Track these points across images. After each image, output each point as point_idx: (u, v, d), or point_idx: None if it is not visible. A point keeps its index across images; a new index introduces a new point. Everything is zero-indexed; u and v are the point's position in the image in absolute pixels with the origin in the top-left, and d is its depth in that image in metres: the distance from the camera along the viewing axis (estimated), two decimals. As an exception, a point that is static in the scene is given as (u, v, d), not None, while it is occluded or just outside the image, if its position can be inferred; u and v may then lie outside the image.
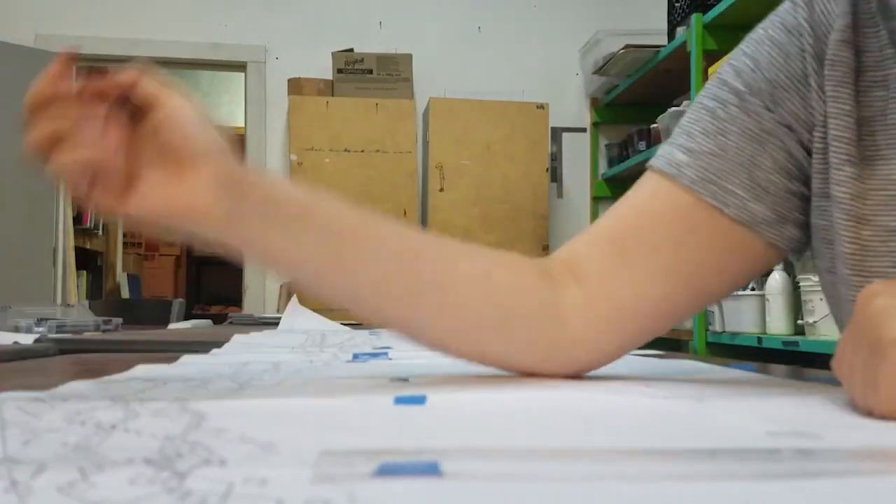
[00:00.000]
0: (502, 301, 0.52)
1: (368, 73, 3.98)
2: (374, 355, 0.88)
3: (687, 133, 0.58)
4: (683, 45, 3.09)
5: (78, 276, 4.99)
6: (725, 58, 0.60)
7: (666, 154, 0.58)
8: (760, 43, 0.57)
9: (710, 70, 2.89)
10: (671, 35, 3.34)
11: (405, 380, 0.58)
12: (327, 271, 0.51)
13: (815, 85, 0.54)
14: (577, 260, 0.58)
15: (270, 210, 0.48)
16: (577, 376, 0.54)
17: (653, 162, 0.59)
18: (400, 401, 0.43)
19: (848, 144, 0.52)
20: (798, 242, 0.57)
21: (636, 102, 3.96)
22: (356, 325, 1.53)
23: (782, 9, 0.58)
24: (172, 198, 0.45)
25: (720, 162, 0.55)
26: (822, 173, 0.54)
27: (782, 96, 0.55)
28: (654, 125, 3.47)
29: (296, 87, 3.98)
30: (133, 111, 0.45)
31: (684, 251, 0.55)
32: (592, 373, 0.57)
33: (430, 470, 0.26)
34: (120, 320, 1.72)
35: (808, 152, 0.55)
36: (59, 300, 4.16)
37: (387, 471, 0.26)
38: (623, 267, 0.55)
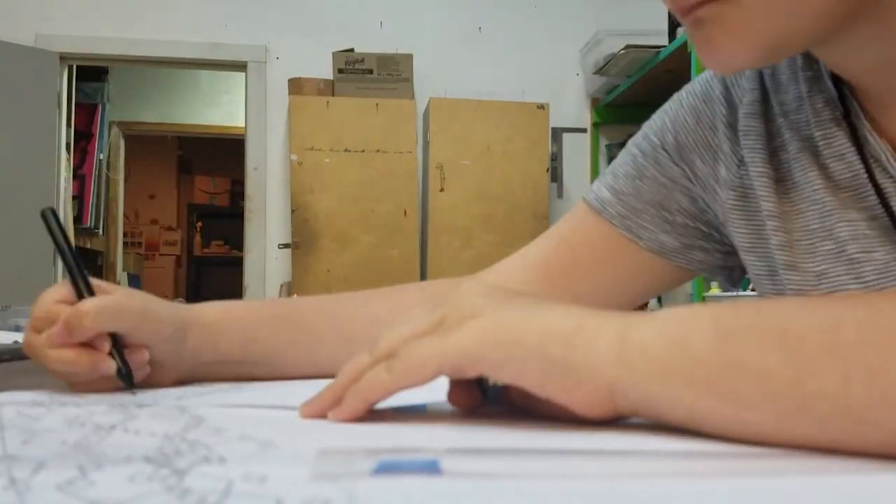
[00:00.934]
0: None
1: (369, 73, 3.98)
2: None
3: (613, 174, 0.68)
4: (684, 45, 3.09)
5: (78, 276, 4.98)
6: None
7: (596, 190, 0.69)
8: (679, 106, 0.66)
9: (711, 70, 2.89)
10: (672, 35, 3.34)
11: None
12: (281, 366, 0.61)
13: (729, 150, 0.61)
14: (520, 280, 0.68)
15: (207, 361, 0.58)
16: None
17: (586, 195, 0.69)
18: (400, 409, 0.43)
19: (768, 202, 0.58)
20: (703, 265, 0.67)
21: (637, 103, 3.96)
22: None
23: (702, 77, 0.65)
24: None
25: (635, 202, 0.66)
26: (744, 228, 0.61)
27: (687, 156, 0.64)
28: (655, 125, 3.47)
29: (296, 86, 3.97)
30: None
31: (605, 275, 0.67)
32: None
33: (430, 468, 0.26)
34: (120, 320, 1.72)
35: (707, 203, 0.64)
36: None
37: (386, 469, 0.26)
38: (551, 293, 0.66)
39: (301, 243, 3.80)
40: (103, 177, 5.88)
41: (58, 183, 4.22)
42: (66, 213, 4.45)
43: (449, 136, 3.87)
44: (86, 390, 0.49)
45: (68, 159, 4.66)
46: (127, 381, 0.49)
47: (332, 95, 3.95)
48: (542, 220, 3.91)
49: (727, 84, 0.63)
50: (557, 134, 4.13)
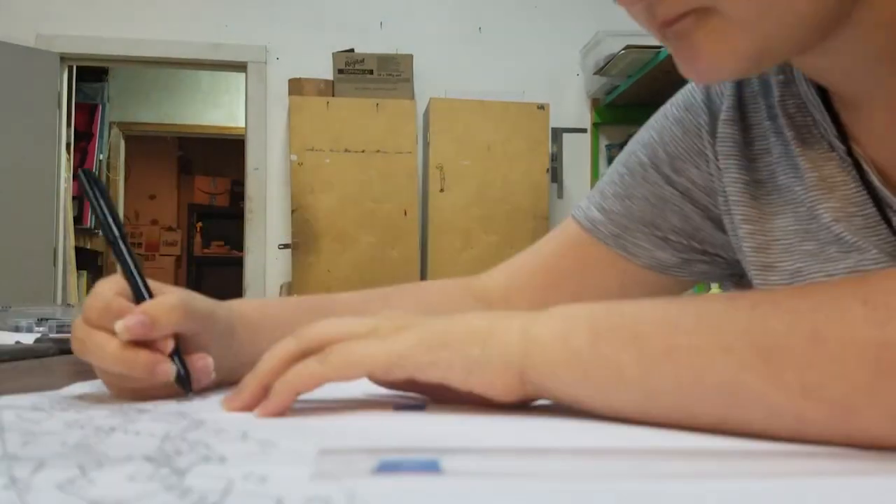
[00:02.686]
0: None
1: (369, 74, 3.98)
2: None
3: (601, 193, 0.69)
4: (684, 45, 3.08)
5: (78, 276, 4.99)
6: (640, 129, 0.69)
7: (584, 208, 0.69)
8: (664, 119, 0.67)
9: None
10: (671, 35, 3.34)
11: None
12: None
13: (712, 156, 0.62)
14: (514, 289, 0.70)
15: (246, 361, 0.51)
16: None
17: (574, 213, 0.70)
18: (399, 408, 0.43)
19: (742, 206, 0.59)
20: (707, 275, 0.67)
21: (637, 103, 3.96)
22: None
23: (685, 88, 0.65)
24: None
25: (627, 221, 0.67)
26: (733, 231, 0.62)
27: (680, 166, 0.64)
28: (655, 126, 3.47)
29: (296, 87, 3.97)
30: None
31: (605, 289, 0.67)
32: None
33: (430, 467, 0.26)
34: (120, 320, 1.72)
35: (705, 212, 0.64)
36: (59, 300, 4.16)
37: (386, 468, 0.26)
38: (550, 301, 0.64)
39: (301, 244, 3.80)
40: (103, 177, 5.88)
41: (58, 183, 4.22)
42: (65, 214, 4.45)
43: (449, 137, 3.87)
44: (139, 396, 0.45)
45: (68, 159, 4.66)
46: (185, 386, 0.45)
47: (333, 96, 3.95)
48: (542, 221, 3.91)
49: (708, 92, 0.63)
50: (557, 134, 4.13)
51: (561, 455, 0.30)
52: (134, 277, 0.47)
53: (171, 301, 0.46)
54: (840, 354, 0.31)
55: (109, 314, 0.45)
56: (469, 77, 4.16)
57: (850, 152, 0.54)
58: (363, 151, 3.86)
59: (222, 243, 7.97)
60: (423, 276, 3.89)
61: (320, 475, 0.25)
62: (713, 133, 0.62)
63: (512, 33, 4.26)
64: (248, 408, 0.40)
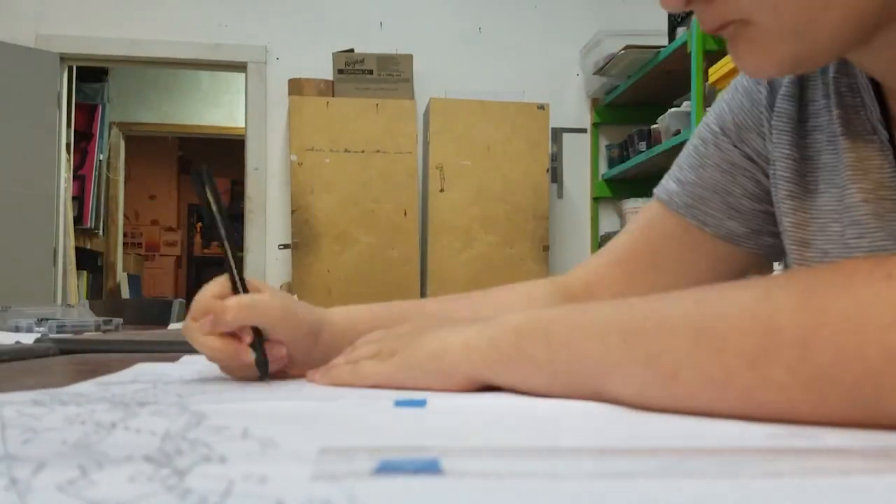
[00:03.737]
0: None
1: (369, 74, 3.98)
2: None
3: (678, 166, 0.73)
4: (684, 45, 3.09)
5: (78, 276, 4.99)
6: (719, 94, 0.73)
7: (664, 183, 0.74)
8: (735, 90, 0.70)
9: (710, 70, 2.89)
10: (671, 35, 3.34)
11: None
12: None
13: (768, 130, 0.66)
14: (594, 282, 0.76)
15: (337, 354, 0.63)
16: None
17: (655, 190, 0.75)
18: (400, 404, 0.43)
19: (788, 182, 0.64)
20: (774, 248, 0.70)
21: (636, 103, 3.97)
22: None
23: None
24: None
25: (701, 190, 0.70)
26: (777, 204, 0.66)
27: (746, 136, 0.68)
28: (655, 126, 3.47)
29: (296, 87, 3.98)
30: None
31: (679, 266, 0.72)
32: None
33: (431, 467, 0.26)
34: (120, 320, 1.72)
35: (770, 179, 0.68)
36: (59, 300, 4.17)
37: (387, 468, 0.26)
38: (630, 288, 0.72)
39: (301, 244, 3.80)
40: (103, 177, 5.89)
41: (58, 183, 4.22)
42: (65, 214, 4.46)
43: (449, 137, 3.88)
44: (234, 375, 0.58)
45: (68, 160, 4.66)
46: (263, 370, 0.56)
47: (332, 96, 3.95)
48: (542, 221, 3.91)
49: None
50: (557, 134, 4.14)
51: (562, 456, 0.30)
52: (233, 276, 0.57)
53: (244, 301, 0.56)
54: (674, 336, 0.39)
55: (204, 312, 0.56)
56: (469, 77, 4.16)
57: (891, 139, 0.56)
58: (363, 151, 3.86)
59: (222, 243, 7.97)
60: (422, 276, 3.89)
61: (320, 476, 0.25)
62: (771, 106, 0.65)
63: (512, 33, 4.27)
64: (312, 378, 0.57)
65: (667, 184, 0.73)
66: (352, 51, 4.04)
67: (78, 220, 5.28)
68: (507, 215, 3.87)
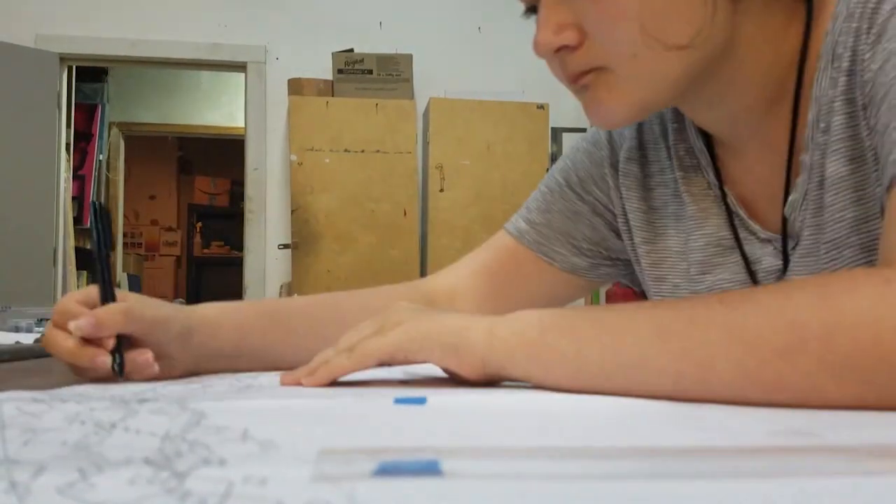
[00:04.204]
0: None
1: (368, 74, 3.98)
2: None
3: (528, 208, 0.86)
4: (683, 45, 3.09)
5: (78, 276, 4.99)
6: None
7: (515, 222, 0.86)
8: (577, 151, 0.83)
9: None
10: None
11: (404, 381, 0.58)
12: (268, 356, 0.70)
13: (612, 185, 0.78)
14: (458, 290, 0.83)
15: (208, 354, 0.66)
16: None
17: (506, 225, 0.87)
18: (400, 401, 0.43)
19: (641, 230, 0.75)
20: (609, 276, 0.83)
21: (636, 102, 3.97)
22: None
23: (593, 127, 0.76)
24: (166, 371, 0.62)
25: (548, 231, 0.82)
26: (632, 248, 0.77)
27: (588, 188, 0.80)
28: (655, 125, 3.47)
29: (296, 87, 3.98)
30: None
31: (531, 289, 0.83)
32: None
33: (430, 469, 0.26)
34: (120, 320, 1.72)
35: (608, 224, 0.80)
36: (59, 300, 4.16)
37: (386, 470, 0.26)
38: (490, 301, 0.82)
39: (301, 244, 3.80)
40: (103, 177, 5.89)
41: (57, 183, 4.22)
42: (65, 214, 4.46)
43: (449, 136, 3.88)
44: (85, 377, 0.58)
45: (68, 160, 4.66)
46: (119, 373, 0.57)
47: (332, 96, 3.95)
48: (542, 220, 3.91)
49: (611, 132, 0.79)
50: (557, 134, 4.13)
51: (563, 456, 0.30)
52: (103, 285, 0.59)
53: (118, 307, 0.58)
54: (706, 332, 0.43)
55: (67, 316, 0.57)
56: (469, 77, 4.16)
57: (722, 189, 0.68)
58: (363, 151, 3.86)
59: (222, 243, 7.98)
60: (422, 276, 3.89)
61: (320, 477, 0.25)
62: (614, 165, 0.78)
63: (512, 33, 4.25)
64: (297, 383, 0.55)
65: (517, 223, 0.86)
66: (351, 51, 4.04)
67: (78, 220, 5.27)
68: (507, 215, 3.82)
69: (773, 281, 0.65)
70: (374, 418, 0.40)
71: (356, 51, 4.03)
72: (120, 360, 0.57)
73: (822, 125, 0.58)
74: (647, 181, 0.75)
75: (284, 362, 0.67)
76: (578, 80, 0.60)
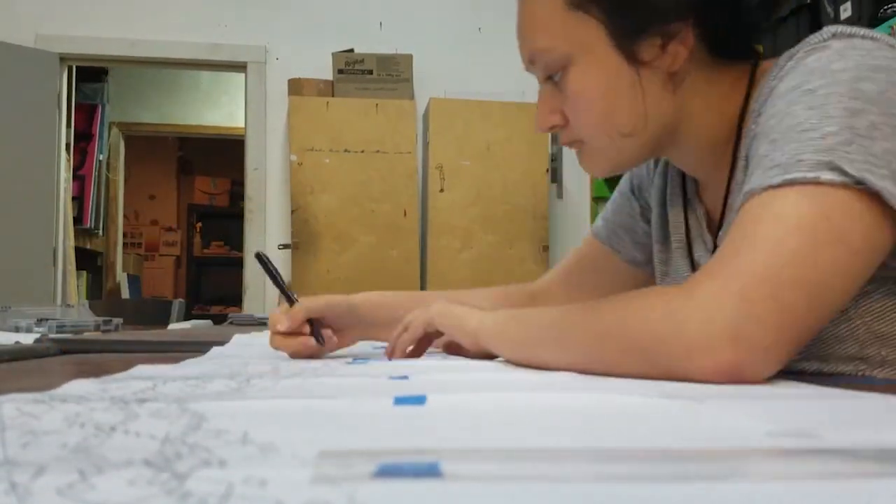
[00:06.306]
0: None
1: (369, 74, 3.98)
2: (375, 358, 0.88)
3: (606, 208, 1.04)
4: (683, 45, 3.09)
5: (78, 276, 4.99)
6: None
7: (597, 220, 1.04)
8: (621, 184, 1.03)
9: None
10: (671, 35, 3.34)
11: (405, 378, 0.58)
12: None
13: (649, 195, 0.97)
14: (549, 290, 1.06)
15: (371, 320, 0.97)
16: None
17: (591, 227, 1.05)
18: (400, 401, 0.43)
19: (657, 238, 0.94)
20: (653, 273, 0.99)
21: (636, 103, 3.96)
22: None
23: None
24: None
25: (616, 227, 1.01)
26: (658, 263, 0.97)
27: (641, 194, 0.99)
28: (655, 125, 3.47)
29: (296, 87, 3.98)
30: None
31: (602, 279, 1.02)
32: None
33: (430, 471, 0.26)
34: (120, 320, 1.72)
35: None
36: (59, 300, 4.17)
37: (386, 472, 0.26)
38: (572, 293, 1.02)
39: (301, 244, 3.80)
40: (103, 177, 5.89)
41: (57, 184, 4.22)
42: (65, 214, 4.45)
43: (449, 137, 3.87)
44: (300, 356, 0.86)
45: (68, 160, 4.66)
46: (320, 343, 0.86)
47: (332, 96, 3.95)
48: (542, 221, 3.91)
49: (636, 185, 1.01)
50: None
51: (563, 457, 0.30)
52: (288, 297, 0.90)
53: (298, 306, 0.88)
54: (573, 326, 0.67)
55: (274, 321, 0.87)
56: (469, 77, 4.16)
57: (685, 213, 0.87)
58: (363, 151, 3.86)
59: (222, 243, 7.97)
60: (422, 276, 3.89)
61: (320, 479, 0.25)
62: (650, 178, 0.98)
63: (512, 33, 4.23)
64: (390, 356, 0.88)
65: (597, 221, 1.04)
66: (351, 51, 4.04)
67: (78, 220, 5.27)
68: (507, 215, 3.86)
69: None
70: (374, 419, 0.40)
71: (356, 51, 4.03)
72: (318, 335, 0.86)
73: (746, 173, 0.69)
74: (663, 191, 0.93)
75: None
76: (570, 147, 0.82)
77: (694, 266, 0.84)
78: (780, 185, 0.59)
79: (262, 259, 0.91)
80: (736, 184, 0.75)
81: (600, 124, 0.76)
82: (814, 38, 0.68)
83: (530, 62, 0.82)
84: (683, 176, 0.88)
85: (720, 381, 0.54)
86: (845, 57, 0.64)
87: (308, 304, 0.88)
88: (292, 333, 0.86)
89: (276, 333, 0.86)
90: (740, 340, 0.54)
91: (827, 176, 0.58)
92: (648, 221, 0.96)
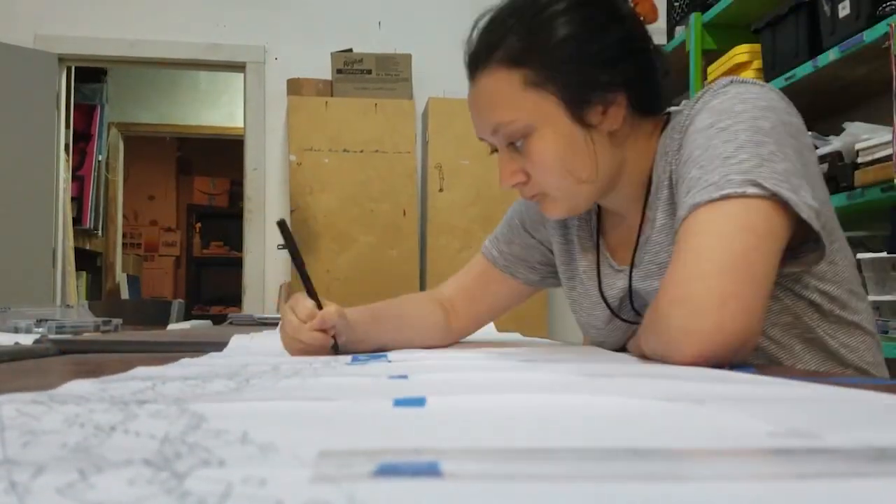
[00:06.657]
0: (428, 322, 1.17)
1: (368, 74, 3.98)
2: (374, 357, 0.88)
3: (497, 239, 1.22)
4: (682, 44, 3.09)
5: (78, 277, 4.99)
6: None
7: (489, 246, 1.23)
8: (520, 202, 1.20)
9: (709, 69, 2.88)
10: (670, 34, 3.34)
11: (404, 377, 0.58)
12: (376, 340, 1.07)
13: (547, 228, 1.17)
14: (453, 300, 1.21)
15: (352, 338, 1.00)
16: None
17: (483, 250, 1.24)
18: (399, 403, 0.43)
19: (560, 261, 1.14)
20: (553, 283, 1.20)
21: (635, 102, 3.96)
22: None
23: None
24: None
25: (512, 258, 1.20)
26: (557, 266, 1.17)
27: (536, 228, 1.18)
28: (654, 125, 3.47)
29: (295, 87, 3.97)
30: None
31: (500, 295, 1.22)
32: (596, 372, 0.63)
33: (430, 470, 0.26)
34: (119, 321, 1.72)
35: (551, 253, 1.17)
36: (58, 301, 4.16)
37: (386, 471, 0.26)
38: (473, 305, 1.21)
39: (300, 244, 3.80)
40: (102, 178, 5.88)
41: (56, 184, 4.22)
42: (64, 215, 4.45)
43: (448, 136, 3.87)
44: (313, 354, 0.92)
45: (67, 160, 4.66)
46: (335, 350, 0.94)
47: (331, 96, 3.95)
48: (542, 220, 3.90)
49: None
50: (556, 134, 4.13)
51: (563, 457, 0.30)
52: (315, 297, 0.96)
53: (332, 310, 0.94)
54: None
55: (307, 315, 0.94)
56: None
57: (597, 241, 1.07)
58: (362, 151, 3.86)
59: (221, 244, 7.97)
60: (422, 276, 3.89)
61: (320, 478, 0.25)
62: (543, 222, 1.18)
63: (511, 33, 4.26)
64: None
65: (491, 248, 1.22)
66: (350, 51, 4.03)
67: (77, 220, 5.27)
68: (507, 215, 3.86)
69: (618, 296, 1.03)
70: (374, 420, 0.40)
71: (355, 51, 4.03)
72: (335, 343, 0.94)
73: (659, 195, 0.95)
74: (566, 229, 1.12)
75: (383, 345, 1.04)
76: (531, 199, 0.98)
77: (601, 283, 1.06)
78: (718, 199, 0.77)
79: (283, 227, 0.93)
80: (653, 201, 0.96)
81: (563, 178, 0.92)
82: (715, 86, 0.89)
83: (493, 133, 0.94)
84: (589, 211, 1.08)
85: (712, 354, 0.71)
86: (744, 101, 0.84)
87: (336, 310, 0.95)
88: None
89: (306, 328, 0.93)
90: (724, 314, 0.72)
91: (752, 190, 0.76)
92: (543, 251, 1.17)
